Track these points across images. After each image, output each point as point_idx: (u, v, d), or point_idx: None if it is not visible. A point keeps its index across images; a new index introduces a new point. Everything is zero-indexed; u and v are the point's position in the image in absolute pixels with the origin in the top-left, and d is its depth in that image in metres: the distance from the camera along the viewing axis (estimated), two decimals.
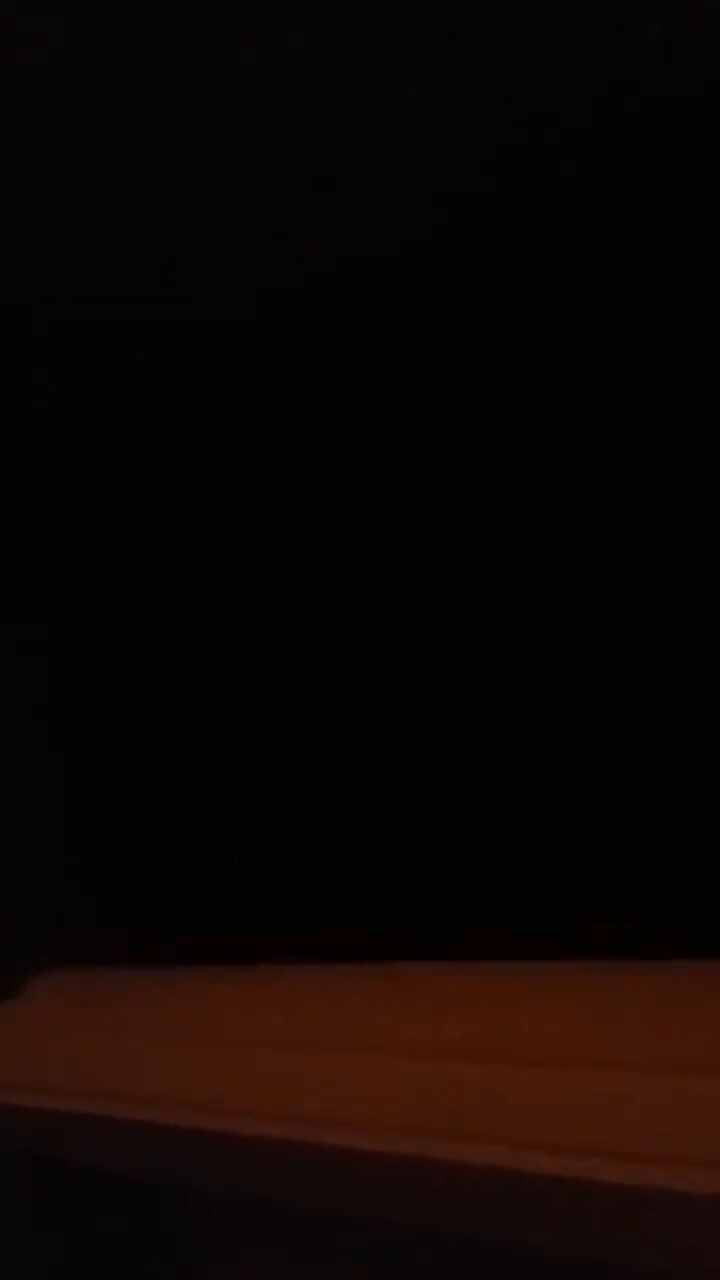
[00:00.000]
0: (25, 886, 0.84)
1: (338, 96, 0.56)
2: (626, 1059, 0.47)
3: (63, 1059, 0.71)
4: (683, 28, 0.50)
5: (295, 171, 0.60)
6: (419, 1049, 0.53)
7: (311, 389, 0.67)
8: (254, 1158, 0.57)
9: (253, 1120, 0.56)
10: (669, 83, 0.52)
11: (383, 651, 0.68)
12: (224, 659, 0.76)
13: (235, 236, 0.63)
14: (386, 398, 0.65)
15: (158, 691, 0.79)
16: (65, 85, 0.57)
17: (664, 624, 0.59)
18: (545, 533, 0.62)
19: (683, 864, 0.58)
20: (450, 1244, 0.57)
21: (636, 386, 0.57)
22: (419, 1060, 0.53)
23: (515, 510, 0.63)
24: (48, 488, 0.81)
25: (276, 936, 0.68)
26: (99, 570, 0.81)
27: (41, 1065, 0.71)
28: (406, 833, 0.68)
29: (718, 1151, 0.42)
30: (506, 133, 0.55)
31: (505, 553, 0.63)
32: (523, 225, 0.58)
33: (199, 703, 0.78)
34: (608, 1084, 0.46)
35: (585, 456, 0.60)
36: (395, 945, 0.61)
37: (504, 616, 0.64)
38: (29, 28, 0.54)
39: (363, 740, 0.70)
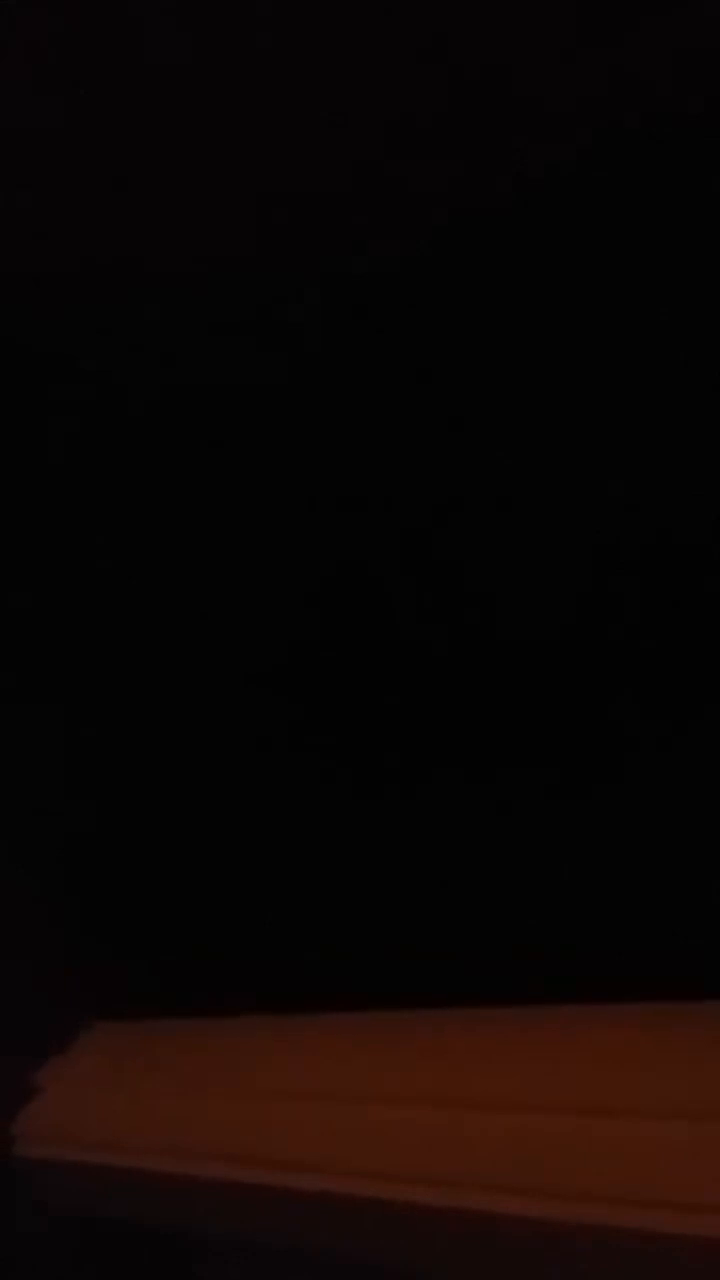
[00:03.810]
0: (70, 942, 0.84)
1: (333, 109, 0.56)
2: (646, 1106, 0.48)
3: (115, 1113, 0.71)
4: (684, 28, 0.50)
5: (289, 187, 0.60)
6: (475, 1099, 0.54)
7: (311, 409, 0.67)
8: (300, 1210, 0.58)
9: (299, 1174, 0.57)
10: (671, 83, 0.52)
11: (395, 692, 0.69)
12: (232, 692, 0.77)
13: (234, 260, 0.63)
14: (384, 412, 0.65)
15: (195, 748, 0.80)
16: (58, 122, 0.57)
17: (670, 664, 0.59)
18: (542, 548, 0.62)
19: (685, 906, 0.58)
20: None
21: (637, 392, 0.57)
22: (476, 1111, 0.53)
23: (512, 518, 0.63)
24: (52, 513, 0.81)
25: (313, 985, 0.68)
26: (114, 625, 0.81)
27: (93, 1120, 0.72)
28: (427, 857, 0.68)
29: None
30: (507, 148, 0.55)
31: (506, 569, 0.63)
32: (521, 243, 0.58)
33: (220, 737, 0.78)
34: (649, 1132, 0.46)
35: (580, 463, 0.60)
36: (436, 993, 0.62)
37: (514, 653, 0.64)
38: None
39: (384, 773, 0.70)
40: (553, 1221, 0.46)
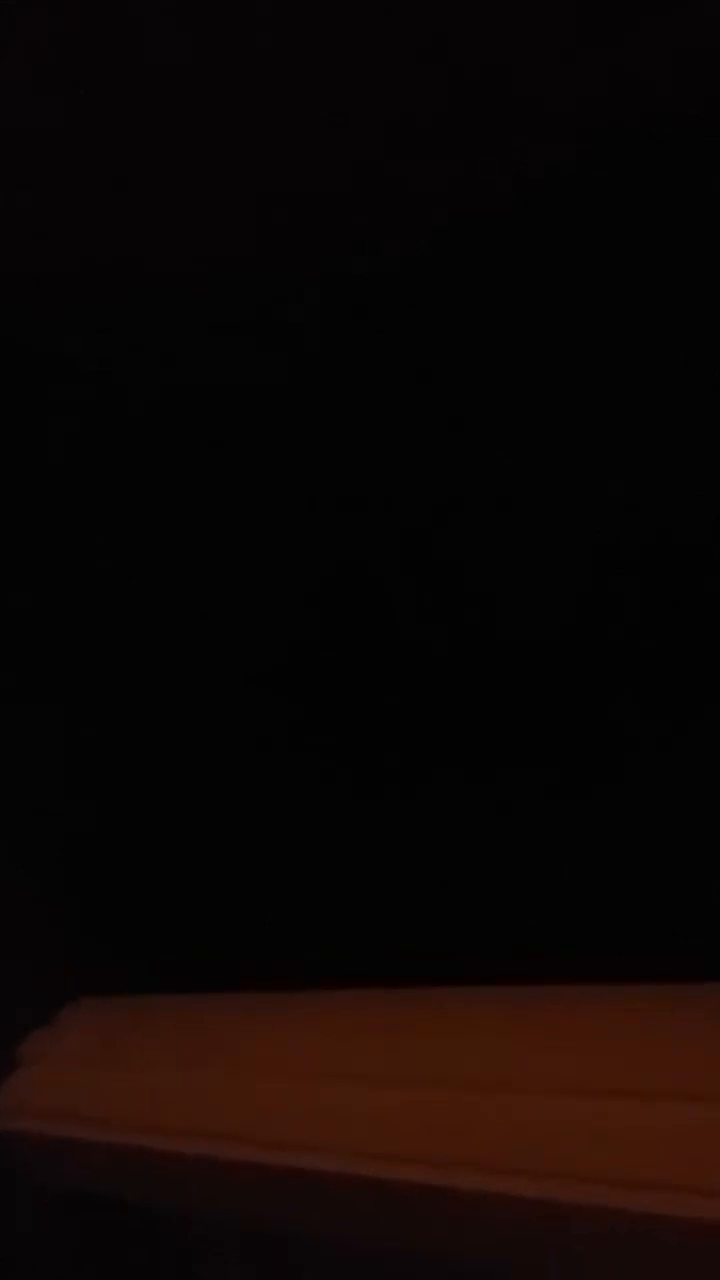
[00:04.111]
0: (54, 916, 0.84)
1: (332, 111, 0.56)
2: (647, 1088, 0.48)
3: (96, 1089, 0.70)
4: (684, 28, 0.50)
5: (289, 187, 0.60)
6: (475, 1080, 0.54)
7: (311, 409, 0.67)
8: (288, 1190, 0.57)
9: (286, 1151, 0.57)
10: (671, 83, 0.52)
11: (395, 699, 0.69)
12: (232, 693, 0.77)
13: (234, 259, 0.63)
14: (382, 415, 0.65)
15: (180, 724, 0.80)
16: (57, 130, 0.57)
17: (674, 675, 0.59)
18: (542, 547, 0.62)
19: (686, 906, 0.58)
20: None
21: (637, 392, 0.58)
22: (476, 1091, 0.53)
23: (512, 518, 0.63)
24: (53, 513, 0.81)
25: (303, 961, 0.68)
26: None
27: (75, 1095, 0.71)
28: (427, 857, 0.68)
29: None
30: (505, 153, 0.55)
31: (506, 568, 0.63)
32: (521, 243, 0.58)
33: (220, 737, 0.78)
34: (651, 1114, 0.46)
35: (578, 465, 0.60)
36: (426, 969, 0.61)
37: (514, 652, 0.64)
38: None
39: (384, 773, 0.70)
40: (552, 1202, 0.46)
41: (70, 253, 0.66)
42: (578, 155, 0.54)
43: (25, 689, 0.87)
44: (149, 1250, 0.77)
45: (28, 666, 0.86)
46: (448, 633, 0.66)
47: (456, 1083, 0.54)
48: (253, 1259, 0.72)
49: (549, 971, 0.60)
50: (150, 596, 0.79)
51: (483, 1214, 0.48)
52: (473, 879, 0.66)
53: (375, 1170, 0.52)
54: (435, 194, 0.58)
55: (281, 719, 0.75)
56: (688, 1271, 0.43)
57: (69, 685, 0.85)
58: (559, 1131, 0.48)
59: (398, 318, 0.62)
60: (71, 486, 0.78)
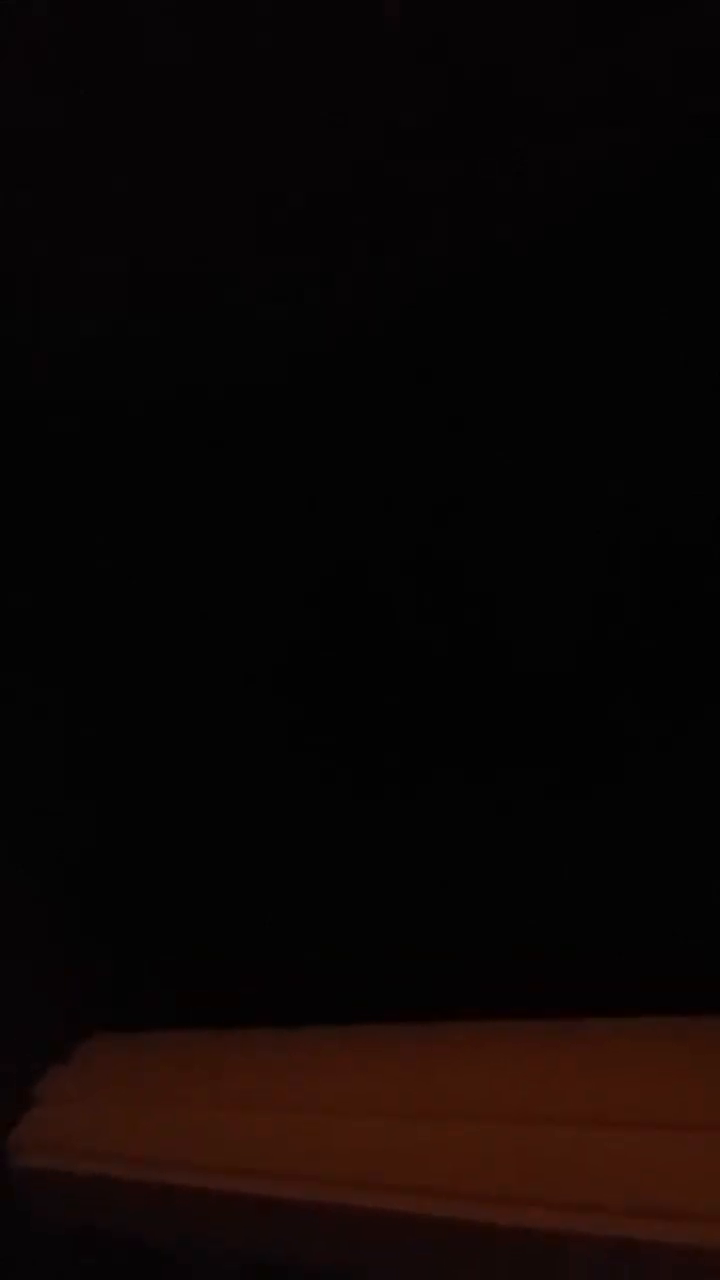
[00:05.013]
0: (69, 951, 0.84)
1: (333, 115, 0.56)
2: (651, 1118, 0.48)
3: (112, 1126, 0.71)
4: (684, 28, 0.50)
5: (289, 187, 0.60)
6: (479, 1111, 0.54)
7: (311, 409, 0.67)
8: (304, 1224, 0.57)
9: (302, 1186, 0.57)
10: (671, 83, 0.52)
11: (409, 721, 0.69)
12: (249, 709, 0.76)
13: (234, 259, 0.63)
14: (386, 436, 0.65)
15: (195, 749, 0.80)
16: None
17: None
18: (542, 548, 0.62)
19: (688, 909, 0.58)
20: None
21: (637, 393, 0.57)
22: (480, 1123, 0.53)
23: (512, 518, 0.63)
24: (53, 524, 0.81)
25: (315, 998, 0.68)
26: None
27: (91, 1132, 0.72)
28: (430, 861, 0.68)
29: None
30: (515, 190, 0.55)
31: (506, 569, 0.63)
32: (521, 243, 0.58)
33: (220, 742, 0.78)
34: (654, 1143, 0.46)
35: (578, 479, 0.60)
36: (436, 1005, 0.62)
37: (514, 653, 0.64)
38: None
39: (385, 774, 0.70)
40: (555, 1233, 0.46)
41: (70, 253, 0.66)
42: (578, 155, 0.54)
43: (24, 690, 0.87)
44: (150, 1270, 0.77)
45: (27, 667, 0.86)
46: (448, 633, 0.66)
47: (461, 1115, 0.54)
48: None
49: (548, 976, 0.60)
50: (150, 597, 0.79)
51: (484, 1244, 0.49)
52: (474, 881, 0.66)
53: (384, 1202, 0.53)
54: (436, 194, 0.58)
55: (282, 719, 0.75)
56: None
57: (69, 686, 0.85)
58: (562, 1162, 0.48)
59: (397, 317, 0.62)
60: (71, 488, 0.78)
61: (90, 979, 0.83)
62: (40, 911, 0.85)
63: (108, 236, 0.64)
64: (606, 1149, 0.48)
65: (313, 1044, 0.66)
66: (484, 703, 0.66)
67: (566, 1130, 0.50)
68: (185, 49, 0.55)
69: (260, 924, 0.76)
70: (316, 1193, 0.56)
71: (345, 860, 0.72)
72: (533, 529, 0.63)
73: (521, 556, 0.63)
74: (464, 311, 0.60)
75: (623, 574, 0.61)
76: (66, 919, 0.85)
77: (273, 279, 0.63)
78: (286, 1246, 0.60)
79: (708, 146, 0.53)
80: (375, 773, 0.71)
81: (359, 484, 0.67)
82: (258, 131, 0.58)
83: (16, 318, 0.69)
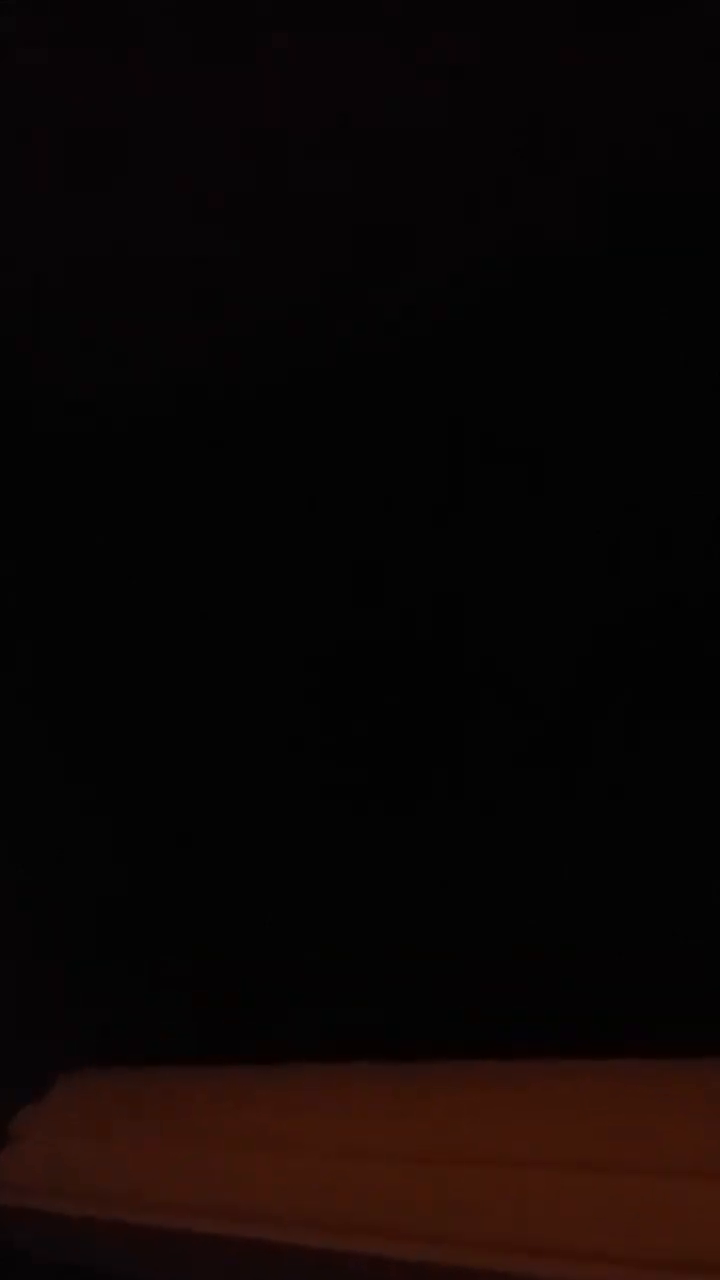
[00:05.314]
0: (52, 984, 0.84)
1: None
2: (651, 1163, 0.47)
3: (88, 1164, 0.70)
4: (684, 28, 0.50)
5: (289, 187, 0.60)
6: (476, 1155, 0.53)
7: (311, 409, 0.67)
8: (289, 1267, 0.56)
9: (286, 1227, 0.56)
10: (671, 83, 0.52)
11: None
12: (244, 739, 0.76)
13: (234, 259, 0.63)
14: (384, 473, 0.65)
15: (187, 788, 0.79)
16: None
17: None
18: (545, 563, 0.62)
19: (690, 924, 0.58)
20: None
21: (640, 403, 0.57)
22: (476, 1166, 0.52)
23: (515, 532, 0.62)
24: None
25: (300, 1035, 0.67)
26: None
27: (68, 1168, 0.71)
28: (437, 933, 0.67)
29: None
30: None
31: (506, 571, 0.63)
32: (521, 244, 0.58)
33: (227, 803, 0.78)
34: (655, 1190, 0.45)
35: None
36: (427, 1043, 0.61)
37: (515, 667, 0.63)
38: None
39: (400, 821, 0.70)
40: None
41: (69, 253, 0.66)
42: (577, 154, 0.54)
43: (22, 705, 0.87)
44: None
45: (25, 679, 0.86)
46: (445, 643, 0.66)
47: (458, 1158, 0.53)
48: None
49: (548, 986, 0.59)
50: (149, 599, 0.78)
51: None
52: (475, 899, 0.65)
53: (374, 1247, 0.52)
54: (436, 193, 0.57)
55: (284, 745, 0.75)
56: None
57: (68, 706, 0.85)
58: (564, 1208, 0.47)
59: (398, 317, 0.62)
60: (71, 488, 0.78)
61: (67, 1013, 0.82)
62: (16, 944, 0.84)
63: (106, 236, 0.64)
64: (608, 1195, 0.47)
65: (297, 1082, 0.65)
66: (484, 719, 0.66)
67: (565, 1175, 0.49)
68: (185, 49, 0.56)
69: (245, 959, 0.75)
70: (305, 1236, 0.55)
71: (344, 883, 0.71)
72: (532, 547, 0.62)
73: (522, 572, 0.63)
74: (464, 308, 0.60)
75: (622, 590, 0.60)
76: (43, 952, 0.84)
77: (272, 278, 0.63)
78: None
79: (708, 146, 0.52)
80: (382, 801, 0.71)
81: (359, 484, 0.67)
82: (257, 132, 0.58)
83: (15, 317, 0.70)
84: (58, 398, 0.73)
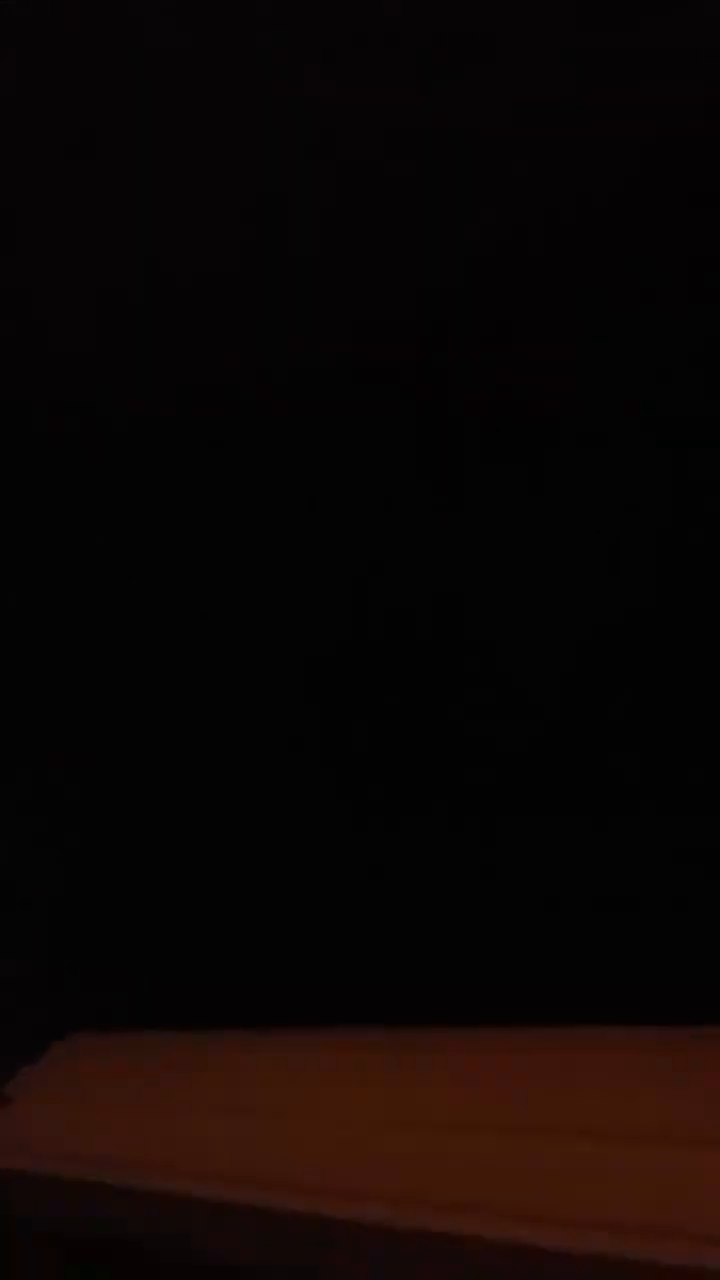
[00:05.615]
0: (48, 952, 0.84)
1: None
2: (645, 1131, 0.47)
3: (83, 1127, 0.70)
4: (684, 28, 0.50)
5: (289, 187, 0.60)
6: (454, 1121, 0.53)
7: (312, 410, 0.67)
8: (279, 1229, 0.56)
9: (274, 1192, 0.56)
10: (671, 83, 0.52)
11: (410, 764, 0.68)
12: (230, 718, 0.76)
13: (234, 259, 0.63)
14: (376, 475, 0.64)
15: (181, 771, 0.79)
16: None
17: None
18: (545, 572, 0.61)
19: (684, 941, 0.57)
20: None
21: (642, 409, 0.57)
22: (461, 1134, 0.52)
23: (516, 545, 0.62)
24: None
25: (297, 1000, 0.67)
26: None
27: (62, 1132, 0.71)
28: (430, 900, 0.67)
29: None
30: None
31: (508, 576, 0.63)
32: (522, 245, 0.57)
33: (221, 780, 0.78)
34: (661, 1159, 0.45)
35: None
36: (417, 1009, 0.61)
37: (515, 689, 0.63)
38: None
39: (391, 828, 0.69)
40: (547, 1250, 0.45)
41: (69, 253, 0.66)
42: (576, 155, 0.54)
43: (22, 702, 0.86)
44: None
45: (24, 676, 0.86)
46: (447, 664, 0.65)
47: (458, 1126, 0.53)
48: None
49: (544, 1002, 0.59)
50: (149, 599, 0.78)
51: (488, 1259, 0.47)
52: (469, 910, 0.65)
53: (369, 1213, 0.52)
54: (435, 193, 0.57)
55: (280, 746, 0.75)
56: None
57: (65, 699, 0.85)
58: (556, 1173, 0.47)
59: (397, 317, 0.61)
60: (71, 488, 0.78)
61: (65, 979, 0.82)
62: (15, 912, 0.84)
63: (106, 236, 0.64)
64: (601, 1163, 0.47)
65: (290, 1048, 0.65)
66: (485, 739, 0.65)
67: (566, 1144, 0.49)
68: (185, 49, 0.56)
69: (240, 925, 0.75)
70: (291, 1199, 0.55)
71: (340, 886, 0.71)
72: (536, 562, 0.62)
73: (523, 582, 0.62)
74: (464, 309, 0.60)
75: (622, 590, 0.60)
76: (41, 919, 0.84)
77: (272, 278, 0.63)
78: (265, 1251, 0.58)
79: (708, 146, 0.52)
80: (371, 807, 0.71)
81: (359, 484, 0.66)
82: (258, 132, 0.58)
83: (16, 317, 0.69)
84: (58, 398, 0.73)
